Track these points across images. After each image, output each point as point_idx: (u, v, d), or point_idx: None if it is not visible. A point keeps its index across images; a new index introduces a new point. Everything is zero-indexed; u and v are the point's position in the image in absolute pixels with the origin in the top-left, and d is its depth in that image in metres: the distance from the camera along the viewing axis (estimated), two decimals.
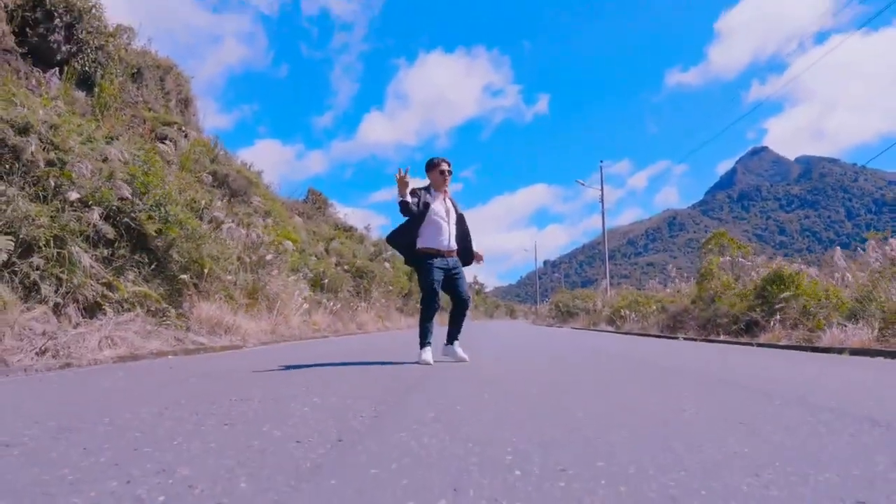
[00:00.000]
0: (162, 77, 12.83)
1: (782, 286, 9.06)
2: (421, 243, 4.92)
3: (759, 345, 7.62)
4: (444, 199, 5.05)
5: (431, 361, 4.67)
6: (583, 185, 27.12)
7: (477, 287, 58.39)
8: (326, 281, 13.95)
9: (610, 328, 17.09)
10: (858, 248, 10.54)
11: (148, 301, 6.29)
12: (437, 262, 4.85)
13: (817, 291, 8.31)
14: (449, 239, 4.94)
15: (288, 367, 4.35)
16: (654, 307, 14.30)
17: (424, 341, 4.79)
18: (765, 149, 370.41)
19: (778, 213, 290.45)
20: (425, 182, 5.13)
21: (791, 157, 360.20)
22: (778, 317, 8.20)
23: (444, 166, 5.03)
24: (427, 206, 4.87)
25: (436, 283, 4.77)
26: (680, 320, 11.58)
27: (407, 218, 4.88)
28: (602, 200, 26.41)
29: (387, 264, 21.16)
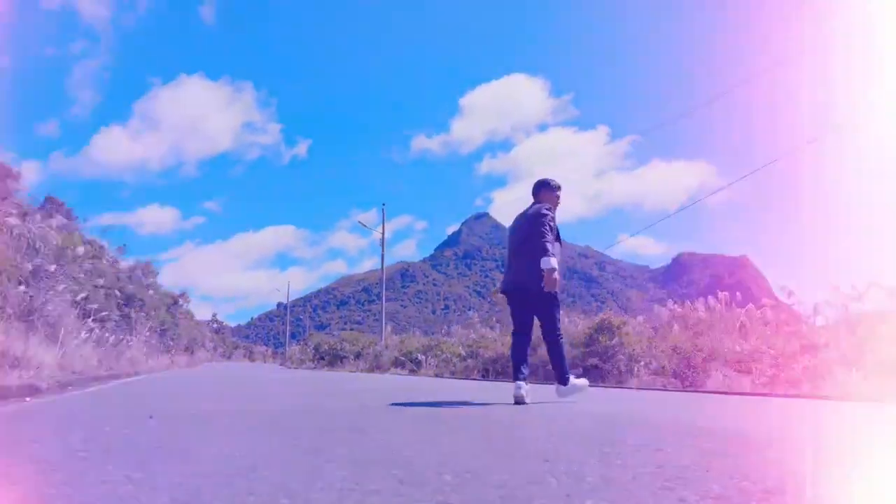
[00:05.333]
0: None
1: (610, 335, 9.90)
2: None
3: (639, 388, 7.74)
4: None
5: (521, 395, 4.13)
6: (364, 226, 28.87)
7: (216, 325, 52.50)
8: (96, 306, 10.76)
9: (402, 371, 15.97)
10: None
11: None
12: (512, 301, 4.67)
13: (639, 340, 9.55)
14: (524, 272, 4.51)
15: None
16: (462, 352, 14.36)
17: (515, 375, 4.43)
18: (486, 214, 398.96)
19: (495, 272, 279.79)
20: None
21: (507, 224, 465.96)
22: (642, 362, 9.29)
23: (560, 193, 4.73)
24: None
25: (514, 325, 4.62)
26: (504, 365, 11.45)
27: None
28: (383, 243, 26.95)
29: (151, 292, 17.85)
